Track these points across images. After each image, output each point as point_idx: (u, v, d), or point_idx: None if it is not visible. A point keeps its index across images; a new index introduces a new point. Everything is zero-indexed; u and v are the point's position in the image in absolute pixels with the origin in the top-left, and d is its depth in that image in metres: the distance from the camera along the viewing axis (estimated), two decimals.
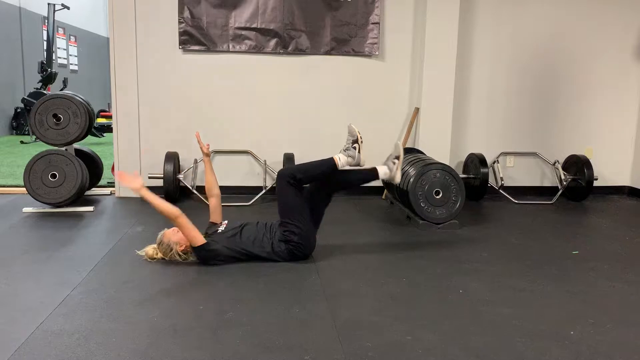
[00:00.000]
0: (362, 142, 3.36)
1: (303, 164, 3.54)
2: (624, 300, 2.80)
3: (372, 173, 3.48)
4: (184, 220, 3.06)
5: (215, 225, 3.39)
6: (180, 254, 3.16)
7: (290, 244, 3.20)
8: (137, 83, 5.09)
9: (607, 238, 4.11)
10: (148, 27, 5.04)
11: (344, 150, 3.40)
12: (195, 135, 3.62)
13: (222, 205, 3.55)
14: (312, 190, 3.38)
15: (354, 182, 3.64)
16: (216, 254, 3.14)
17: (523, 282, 3.01)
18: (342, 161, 3.35)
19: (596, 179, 5.20)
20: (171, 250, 3.16)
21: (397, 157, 3.45)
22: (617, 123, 5.66)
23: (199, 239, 3.11)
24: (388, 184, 4.82)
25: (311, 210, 3.30)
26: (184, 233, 3.10)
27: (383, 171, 3.46)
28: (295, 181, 3.24)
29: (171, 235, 3.19)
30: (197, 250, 3.12)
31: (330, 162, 3.35)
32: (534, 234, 4.11)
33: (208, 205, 3.53)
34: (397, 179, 3.47)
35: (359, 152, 3.35)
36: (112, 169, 5.36)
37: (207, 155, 3.56)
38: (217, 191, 3.50)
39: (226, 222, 3.38)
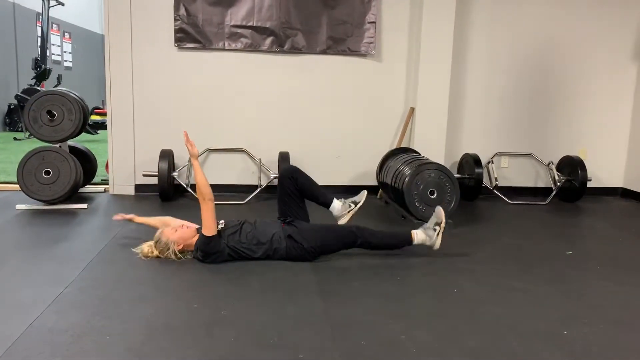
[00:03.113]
0: (444, 227, 3.35)
1: (380, 231, 3.44)
2: (617, 300, 2.81)
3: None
4: (212, 205, 3.09)
5: None
6: (177, 253, 3.15)
7: (295, 242, 3.20)
8: (132, 80, 5.08)
9: (600, 239, 4.13)
10: (143, 24, 5.03)
11: (424, 229, 3.37)
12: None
13: (218, 204, 3.53)
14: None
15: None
16: (218, 249, 3.13)
17: (517, 282, 3.02)
18: (419, 237, 3.35)
19: (590, 180, 5.22)
20: (168, 249, 3.14)
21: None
22: (611, 124, 5.69)
23: (214, 229, 3.10)
24: (382, 182, 4.83)
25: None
26: (206, 215, 3.07)
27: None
28: (365, 242, 3.30)
29: (170, 234, 3.18)
30: (206, 239, 3.09)
31: (406, 237, 3.36)
32: (528, 235, 4.13)
33: None
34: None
35: (437, 235, 3.34)
36: (107, 166, 5.34)
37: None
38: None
39: (223, 221, 3.36)
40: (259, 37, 5.13)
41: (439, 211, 3.43)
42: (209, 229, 3.09)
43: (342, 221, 3.50)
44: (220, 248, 3.13)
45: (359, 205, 3.54)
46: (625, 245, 3.92)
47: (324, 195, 3.56)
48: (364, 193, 3.59)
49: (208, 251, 3.12)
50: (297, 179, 3.44)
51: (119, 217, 3.64)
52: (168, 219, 3.50)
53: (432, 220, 3.42)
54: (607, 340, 2.34)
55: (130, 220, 3.62)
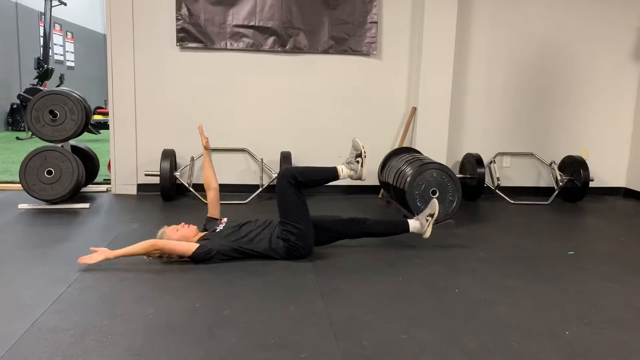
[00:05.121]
0: (365, 156, 3.36)
1: (306, 167, 3.54)
2: (619, 300, 2.80)
3: (403, 227, 3.48)
4: (162, 243, 3.05)
5: (214, 221, 3.38)
6: None
7: (288, 242, 3.20)
8: (134, 80, 5.08)
9: (602, 239, 4.12)
10: (145, 24, 5.03)
11: (347, 163, 3.39)
12: (197, 127, 3.66)
13: (219, 203, 3.55)
14: (339, 229, 3.40)
15: (382, 234, 3.59)
16: (212, 254, 3.12)
17: (518, 282, 3.02)
18: (344, 173, 3.36)
19: (592, 180, 5.21)
20: None
21: (432, 215, 3.43)
22: (613, 124, 5.68)
23: (189, 248, 3.08)
24: (384, 182, 4.83)
25: (332, 234, 3.38)
26: (173, 252, 3.06)
27: (414, 225, 3.46)
28: (296, 182, 3.24)
29: (171, 233, 3.18)
30: (193, 256, 3.09)
31: (333, 171, 3.36)
32: (530, 234, 4.12)
33: (204, 203, 3.55)
34: (427, 235, 3.45)
35: (361, 166, 3.35)
36: (109, 165, 5.35)
37: (207, 148, 3.58)
38: (215, 185, 3.51)
39: (225, 219, 3.37)
40: (260, 37, 5.14)
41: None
42: (187, 252, 3.08)
43: (427, 235, 3.47)
44: (210, 256, 3.11)
45: (435, 217, 3.46)
46: (628, 245, 3.91)
47: (394, 224, 3.55)
48: (435, 202, 3.48)
49: (201, 259, 3.11)
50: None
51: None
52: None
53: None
54: (609, 340, 2.34)
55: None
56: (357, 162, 3.36)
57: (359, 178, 3.38)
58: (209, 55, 5.15)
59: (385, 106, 5.37)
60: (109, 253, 3.00)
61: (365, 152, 3.35)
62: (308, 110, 5.33)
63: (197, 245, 3.11)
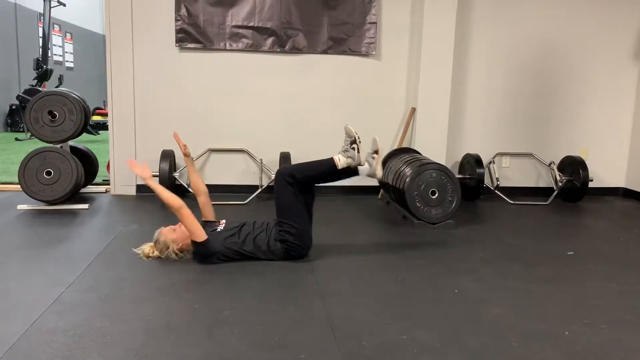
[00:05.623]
0: (360, 142, 3.33)
1: (302, 163, 3.51)
2: (619, 300, 2.80)
3: (353, 171, 3.36)
4: (187, 212, 3.06)
5: (211, 223, 3.37)
6: (177, 252, 3.15)
7: (286, 243, 3.20)
8: (133, 81, 5.08)
9: (601, 239, 4.12)
10: (144, 25, 5.03)
11: (343, 152, 3.36)
12: (173, 135, 3.60)
13: (219, 204, 3.55)
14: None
15: (329, 178, 3.42)
16: (215, 252, 3.12)
17: (518, 282, 3.02)
18: (341, 162, 3.31)
19: (591, 180, 5.21)
20: (168, 248, 3.14)
21: (376, 152, 3.35)
22: (612, 124, 5.68)
23: (202, 234, 3.09)
24: (384, 183, 4.83)
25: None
26: (186, 225, 3.07)
27: (362, 169, 3.35)
28: (294, 181, 3.22)
29: (168, 233, 3.18)
30: (197, 245, 3.11)
31: (330, 163, 3.32)
32: (529, 235, 4.12)
33: None
34: (379, 173, 3.36)
35: (358, 152, 3.31)
36: (108, 166, 5.35)
37: (187, 155, 3.56)
38: (204, 189, 3.50)
39: (224, 221, 3.36)
40: (260, 38, 5.14)
41: (374, 140, 3.36)
42: (197, 236, 3.09)
43: (379, 173, 3.35)
44: (216, 250, 3.13)
45: (379, 153, 3.36)
46: (627, 245, 3.91)
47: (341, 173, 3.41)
48: (376, 139, 3.37)
49: (204, 255, 3.13)
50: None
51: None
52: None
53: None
54: (609, 340, 2.33)
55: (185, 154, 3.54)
56: (353, 148, 3.32)
57: (358, 164, 3.32)
58: (208, 55, 5.15)
59: (384, 106, 5.37)
60: (148, 178, 3.19)
61: (359, 138, 3.30)
62: (307, 111, 5.33)
63: (207, 238, 3.11)
